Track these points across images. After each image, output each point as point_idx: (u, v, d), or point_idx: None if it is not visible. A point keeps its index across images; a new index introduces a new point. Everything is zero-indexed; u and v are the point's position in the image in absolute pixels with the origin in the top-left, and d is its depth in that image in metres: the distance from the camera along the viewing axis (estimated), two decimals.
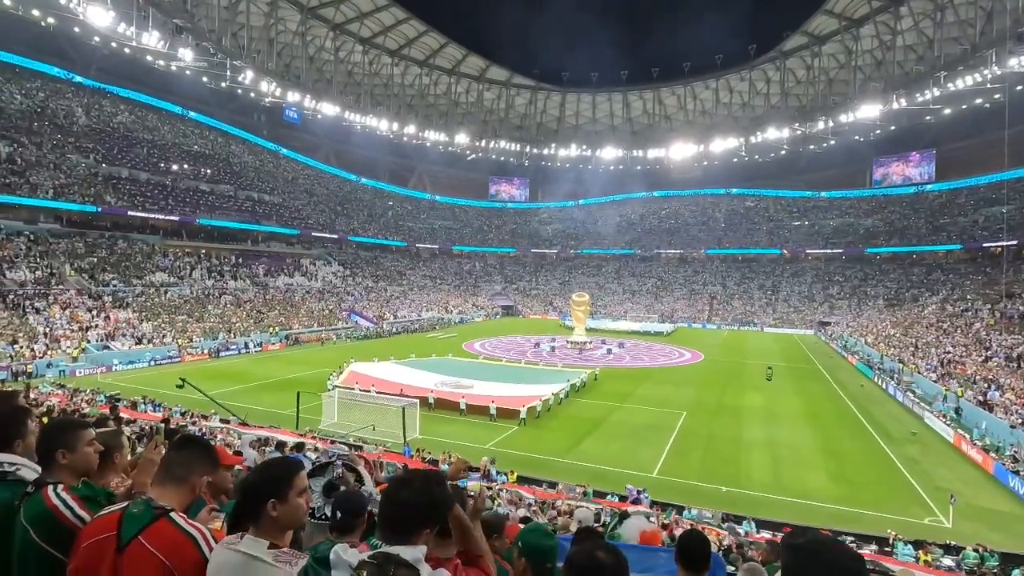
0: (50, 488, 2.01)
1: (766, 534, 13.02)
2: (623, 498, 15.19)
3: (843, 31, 56.96)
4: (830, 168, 77.70)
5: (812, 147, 66.97)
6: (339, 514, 2.14)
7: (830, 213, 79.08)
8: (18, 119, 46.55)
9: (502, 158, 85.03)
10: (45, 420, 7.21)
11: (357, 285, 64.98)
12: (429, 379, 28.49)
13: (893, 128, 56.79)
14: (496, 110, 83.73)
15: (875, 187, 78.34)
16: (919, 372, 31.93)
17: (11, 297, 33.73)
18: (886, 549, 12.94)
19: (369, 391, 24.63)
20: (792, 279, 73.62)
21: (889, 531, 13.62)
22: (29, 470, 2.14)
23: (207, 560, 1.73)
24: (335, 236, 70.08)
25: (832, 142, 62.56)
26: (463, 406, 24.24)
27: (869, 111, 52.50)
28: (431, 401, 24.62)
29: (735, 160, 75.27)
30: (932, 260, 65.17)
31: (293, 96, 56.41)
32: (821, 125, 58.88)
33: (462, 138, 75.65)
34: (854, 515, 15.13)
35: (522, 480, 16.55)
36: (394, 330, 55.39)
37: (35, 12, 40.62)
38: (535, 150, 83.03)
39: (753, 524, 13.82)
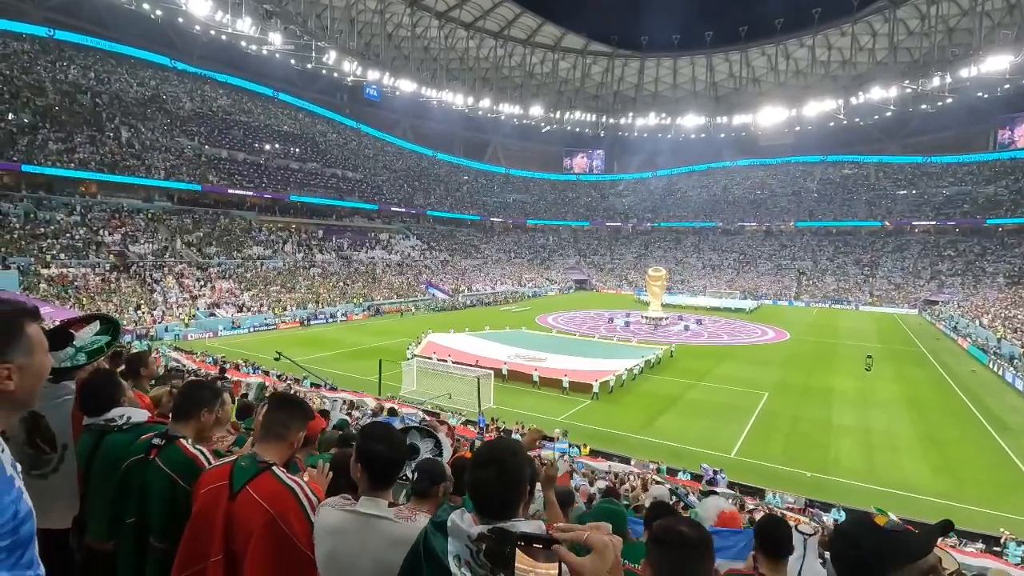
0: (183, 441, 2.31)
1: None
2: (698, 477, 14.88)
3: None
4: (944, 130, 69.64)
5: (924, 107, 59.93)
6: (416, 476, 2.17)
7: (943, 180, 71.15)
8: (135, 106, 51.22)
9: (577, 129, 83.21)
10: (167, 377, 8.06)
11: (434, 258, 66.84)
12: (503, 351, 28.91)
13: None
14: (571, 80, 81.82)
15: (1000, 150, 69.36)
16: None
17: (134, 268, 37.75)
18: (995, 549, 11.85)
19: (446, 361, 25.44)
20: (894, 253, 67.42)
21: (1002, 530, 12.44)
22: (140, 414, 2.52)
23: (304, 509, 1.88)
24: (413, 211, 72.17)
25: (949, 100, 55.63)
26: (536, 378, 24.48)
27: (998, 63, 46.12)
28: (505, 373, 25.02)
29: (831, 124, 68.99)
30: None
31: (373, 74, 57.98)
32: (937, 81, 52.43)
33: (536, 110, 74.72)
34: (959, 510, 13.88)
35: (594, 454, 16.60)
36: (469, 303, 56.65)
37: (146, 5, 44.23)
38: (611, 120, 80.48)
39: (842, 512, 13.10)
